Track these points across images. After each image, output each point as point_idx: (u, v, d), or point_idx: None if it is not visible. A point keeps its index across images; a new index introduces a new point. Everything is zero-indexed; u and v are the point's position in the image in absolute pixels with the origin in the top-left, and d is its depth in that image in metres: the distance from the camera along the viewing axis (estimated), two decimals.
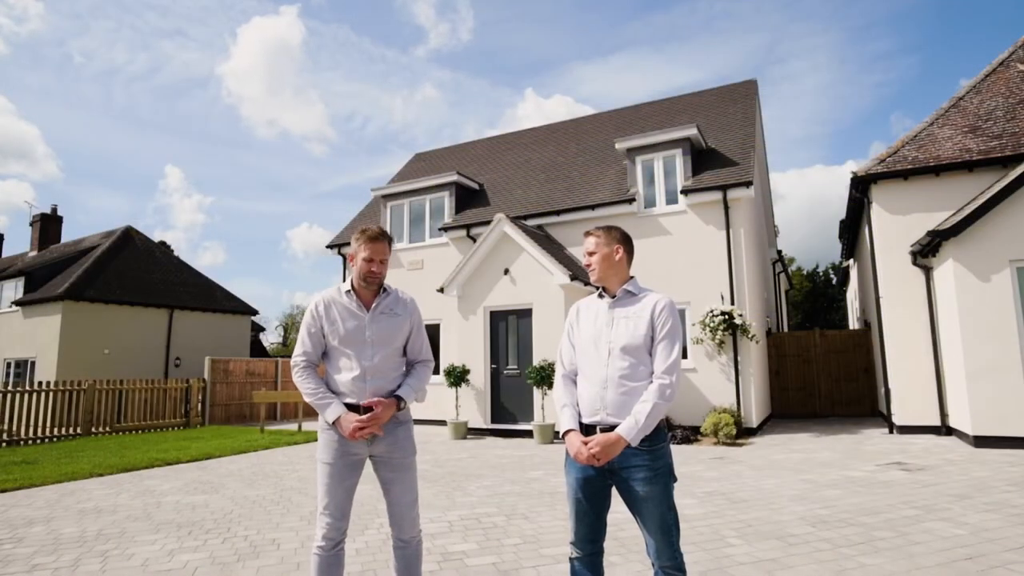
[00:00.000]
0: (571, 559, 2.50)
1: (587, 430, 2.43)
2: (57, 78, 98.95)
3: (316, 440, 10.89)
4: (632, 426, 2.29)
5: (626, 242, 2.61)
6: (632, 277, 2.61)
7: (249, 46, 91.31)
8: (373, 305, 2.83)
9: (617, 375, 2.40)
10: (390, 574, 2.90)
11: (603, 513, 2.47)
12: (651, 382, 2.39)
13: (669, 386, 2.34)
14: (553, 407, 10.86)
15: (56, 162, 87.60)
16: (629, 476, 2.35)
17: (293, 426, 14.51)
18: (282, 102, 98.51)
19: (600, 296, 2.61)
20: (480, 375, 11.77)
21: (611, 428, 2.35)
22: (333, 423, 2.68)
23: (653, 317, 2.44)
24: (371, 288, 2.84)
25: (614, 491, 2.45)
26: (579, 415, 2.48)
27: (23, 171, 78.97)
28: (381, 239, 2.80)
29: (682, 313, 11.62)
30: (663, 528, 2.35)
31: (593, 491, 2.42)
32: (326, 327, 2.78)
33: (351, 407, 2.73)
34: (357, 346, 2.77)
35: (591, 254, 2.58)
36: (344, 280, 2.90)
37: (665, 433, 2.45)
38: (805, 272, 39.66)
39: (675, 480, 2.43)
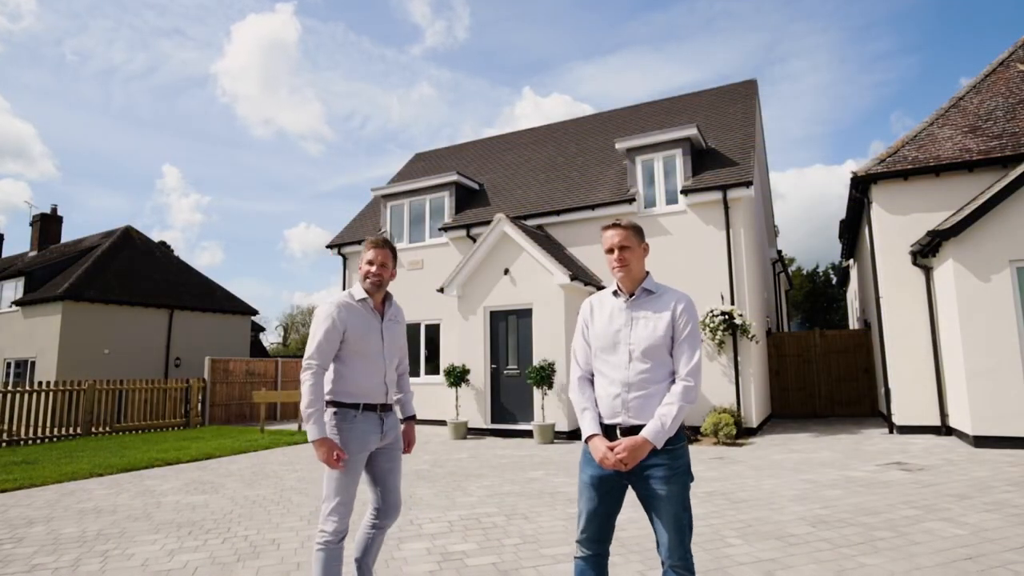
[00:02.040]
0: (576, 558, 2.45)
1: (607, 431, 2.40)
2: (53, 77, 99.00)
3: None
4: (658, 429, 2.27)
5: (644, 237, 2.54)
6: (648, 273, 2.53)
7: (244, 44, 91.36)
8: (384, 313, 3.05)
9: (638, 378, 2.36)
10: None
11: (614, 514, 2.44)
12: (671, 382, 2.37)
13: (693, 388, 2.33)
14: (552, 407, 10.86)
15: (53, 161, 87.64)
16: (649, 475, 2.33)
17: (293, 426, 14.51)
18: (278, 101, 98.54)
19: (615, 294, 2.51)
20: (480, 375, 11.76)
21: (632, 429, 2.33)
22: (314, 440, 2.73)
23: (674, 318, 2.38)
24: (376, 293, 3.00)
25: (628, 492, 2.44)
26: (599, 416, 2.43)
27: (20, 170, 79.01)
28: (383, 245, 3.01)
29: None
30: (677, 527, 2.34)
31: (608, 490, 2.39)
32: (348, 331, 2.87)
33: (369, 407, 2.91)
34: (375, 351, 2.94)
35: (623, 248, 2.43)
36: (343, 287, 2.99)
37: (684, 434, 2.42)
38: (805, 272, 39.65)
39: (692, 479, 2.43)
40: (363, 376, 2.89)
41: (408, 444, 3.12)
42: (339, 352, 2.88)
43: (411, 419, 3.19)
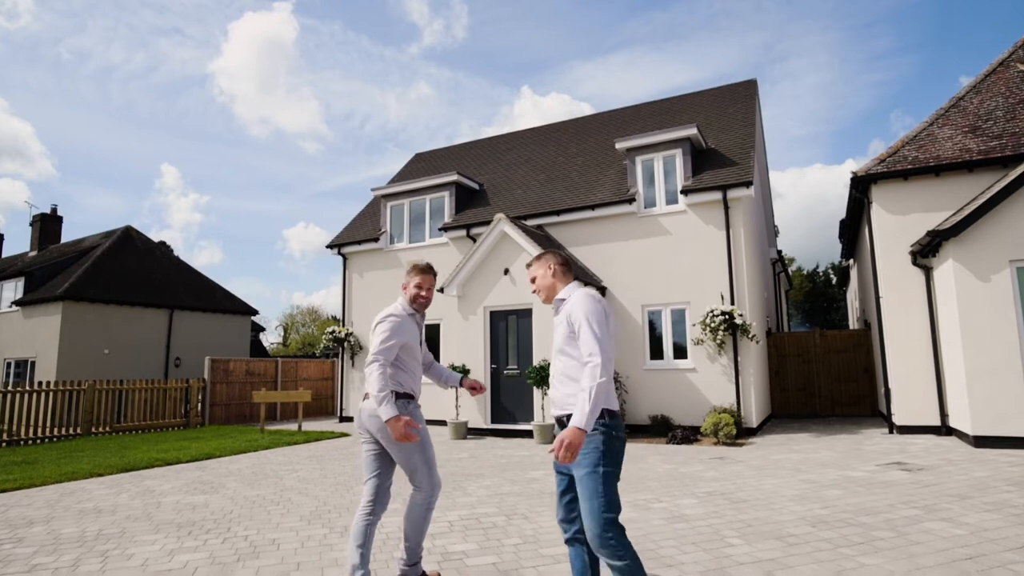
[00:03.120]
0: None
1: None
2: (51, 76, 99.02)
3: (316, 440, 10.76)
4: (580, 415, 2.46)
5: (555, 258, 2.94)
6: (569, 284, 2.86)
7: (242, 43, 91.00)
8: (420, 327, 3.58)
9: (554, 374, 2.76)
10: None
11: (567, 496, 2.74)
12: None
13: (597, 365, 2.50)
14: (552, 407, 10.86)
15: (51, 160, 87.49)
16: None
17: (293, 426, 14.51)
18: (276, 100, 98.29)
19: None
20: (480, 375, 11.76)
21: (559, 419, 2.71)
22: (387, 419, 3.11)
23: (568, 319, 2.68)
24: (421, 311, 3.55)
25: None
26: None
27: (18, 169, 78.81)
28: (429, 271, 3.55)
29: (682, 313, 11.63)
30: (589, 513, 2.51)
31: (559, 473, 2.77)
32: (407, 340, 3.38)
33: (416, 403, 3.45)
34: (417, 354, 3.48)
35: (532, 280, 2.94)
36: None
37: (602, 425, 2.57)
38: (805, 272, 39.65)
39: (609, 471, 2.53)
40: (410, 372, 3.43)
41: (480, 388, 3.67)
42: (398, 355, 3.38)
43: (464, 378, 3.75)
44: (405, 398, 3.38)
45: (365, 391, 3.48)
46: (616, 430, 2.60)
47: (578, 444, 2.43)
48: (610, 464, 2.53)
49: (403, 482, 4.22)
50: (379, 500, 3.32)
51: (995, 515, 4.78)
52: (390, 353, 3.28)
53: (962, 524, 4.57)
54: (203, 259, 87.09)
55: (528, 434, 10.98)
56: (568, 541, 2.76)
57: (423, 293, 3.50)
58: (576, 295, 2.72)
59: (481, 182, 15.83)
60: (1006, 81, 10.82)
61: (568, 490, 2.73)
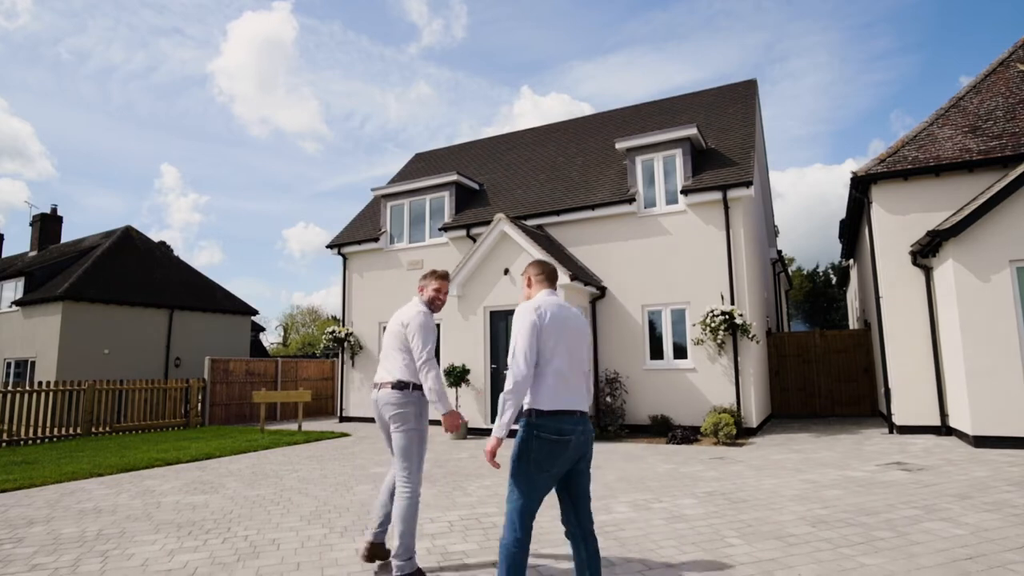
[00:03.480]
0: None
1: None
2: (51, 76, 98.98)
3: (316, 440, 10.78)
4: (497, 422, 2.76)
5: (534, 269, 3.14)
6: (539, 294, 3.03)
7: (241, 43, 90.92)
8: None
9: None
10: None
11: (560, 494, 2.96)
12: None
13: (509, 376, 2.75)
14: None
15: (51, 160, 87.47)
16: None
17: (293, 426, 14.51)
18: (275, 100, 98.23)
19: None
20: (480, 375, 11.77)
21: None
22: (446, 412, 3.63)
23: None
24: (434, 312, 3.94)
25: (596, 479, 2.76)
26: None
27: (18, 169, 78.77)
28: (447, 278, 4.00)
29: (682, 313, 11.63)
30: (506, 498, 2.80)
31: None
32: (435, 333, 3.77)
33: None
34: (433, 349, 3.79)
35: (524, 289, 3.24)
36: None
37: (525, 423, 2.80)
38: (805, 272, 39.64)
39: (522, 476, 2.74)
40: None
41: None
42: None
43: None
44: (420, 390, 3.73)
45: (375, 381, 3.82)
46: (542, 430, 2.72)
47: (491, 450, 2.81)
48: (525, 466, 2.72)
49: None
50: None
51: (995, 515, 4.78)
52: (433, 351, 3.71)
53: (962, 524, 4.57)
54: (203, 259, 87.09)
55: None
56: (567, 535, 2.89)
57: (440, 297, 3.93)
58: (520, 308, 2.91)
59: (481, 182, 15.83)
60: (1006, 81, 10.82)
61: (560, 488, 2.90)
